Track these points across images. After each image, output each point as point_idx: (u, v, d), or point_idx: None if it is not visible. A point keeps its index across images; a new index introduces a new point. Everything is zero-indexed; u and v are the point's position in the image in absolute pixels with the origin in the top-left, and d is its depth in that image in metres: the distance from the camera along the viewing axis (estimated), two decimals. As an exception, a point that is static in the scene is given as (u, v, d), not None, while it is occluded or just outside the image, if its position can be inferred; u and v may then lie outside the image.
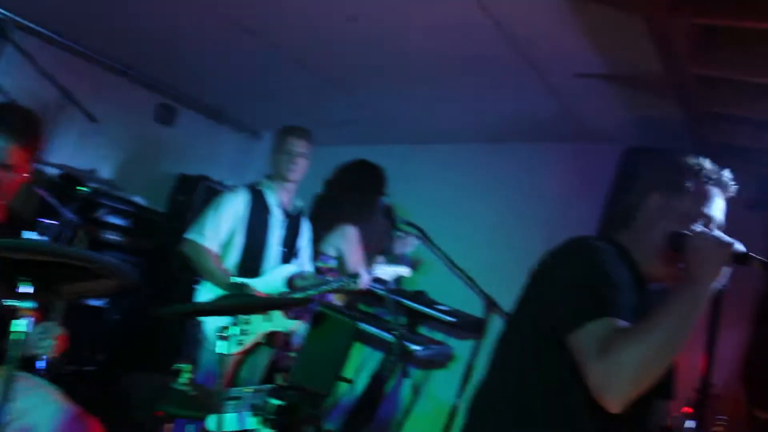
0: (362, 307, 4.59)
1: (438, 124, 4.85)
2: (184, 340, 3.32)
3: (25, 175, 2.24)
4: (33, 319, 1.36)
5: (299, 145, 3.38)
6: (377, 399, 4.08)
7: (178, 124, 5.37)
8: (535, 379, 1.70)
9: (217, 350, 3.03)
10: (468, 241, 4.63)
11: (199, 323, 3.20)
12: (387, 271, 3.55)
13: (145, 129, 5.19)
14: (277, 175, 3.42)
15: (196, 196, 4.93)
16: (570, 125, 4.17)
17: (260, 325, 3.22)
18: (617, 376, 1.49)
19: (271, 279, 3.31)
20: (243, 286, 3.08)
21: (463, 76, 3.79)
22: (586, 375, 1.54)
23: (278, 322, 3.22)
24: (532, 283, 1.80)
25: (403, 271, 3.66)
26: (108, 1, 3.82)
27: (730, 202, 1.83)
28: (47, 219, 3.43)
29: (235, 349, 3.17)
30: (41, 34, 4.33)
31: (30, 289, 1.39)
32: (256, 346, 3.28)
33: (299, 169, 3.40)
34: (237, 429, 1.89)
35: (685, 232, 1.67)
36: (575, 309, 1.60)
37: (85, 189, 3.95)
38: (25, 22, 4.22)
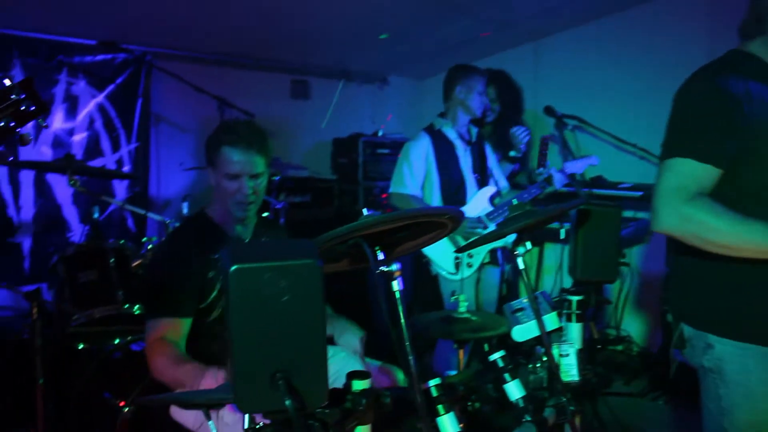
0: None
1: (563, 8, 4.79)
2: (419, 281, 3.64)
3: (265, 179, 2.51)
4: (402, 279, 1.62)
5: (484, 84, 3.56)
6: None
7: (313, 95, 5.64)
8: None
9: (456, 276, 3.39)
10: (623, 116, 4.66)
11: (429, 262, 3.50)
12: (578, 165, 3.66)
13: (287, 108, 5.49)
14: (467, 111, 3.58)
15: (356, 154, 5.19)
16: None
17: (482, 246, 3.47)
18: (679, 223, 1.70)
19: (476, 204, 3.53)
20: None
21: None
22: (653, 204, 1.73)
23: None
24: None
25: (592, 160, 3.73)
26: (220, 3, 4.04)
27: None
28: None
29: (468, 272, 3.47)
30: (174, 56, 4.67)
31: (382, 256, 1.64)
32: (483, 266, 3.54)
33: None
34: (537, 334, 2.11)
35: None
36: (669, 140, 1.79)
37: (275, 177, 4.29)
38: (159, 50, 4.58)
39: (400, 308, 1.58)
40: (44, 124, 1.71)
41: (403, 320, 1.54)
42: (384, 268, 1.58)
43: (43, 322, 2.74)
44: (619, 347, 4.66)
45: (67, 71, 4.23)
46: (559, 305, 2.14)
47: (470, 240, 3.41)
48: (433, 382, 1.65)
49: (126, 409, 2.70)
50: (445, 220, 1.60)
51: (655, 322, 4.57)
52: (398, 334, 1.53)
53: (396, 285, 1.58)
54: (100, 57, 4.36)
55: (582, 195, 3.96)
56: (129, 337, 3.09)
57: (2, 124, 1.57)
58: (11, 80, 1.58)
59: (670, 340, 3.77)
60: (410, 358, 1.50)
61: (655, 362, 4.28)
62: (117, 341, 3.11)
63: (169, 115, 4.83)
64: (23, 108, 1.60)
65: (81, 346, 3.15)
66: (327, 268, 1.81)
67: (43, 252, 4.11)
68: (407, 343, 1.50)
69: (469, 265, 3.46)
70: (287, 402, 1.10)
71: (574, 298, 2.11)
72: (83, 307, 2.96)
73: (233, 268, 1.13)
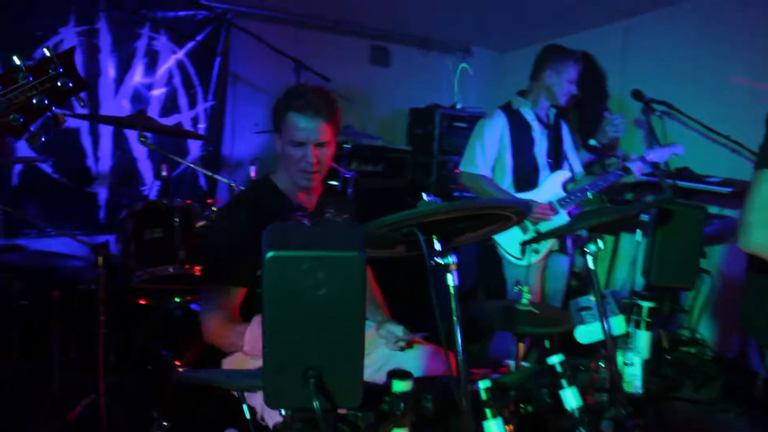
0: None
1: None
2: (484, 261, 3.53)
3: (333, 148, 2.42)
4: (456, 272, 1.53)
5: (577, 72, 3.34)
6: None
7: (392, 63, 5.52)
8: None
9: (522, 262, 3.26)
10: (716, 105, 4.33)
11: (494, 244, 3.37)
12: (661, 154, 3.42)
13: (364, 75, 5.39)
14: (550, 97, 3.40)
15: (432, 126, 5.05)
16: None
17: (550, 232, 3.32)
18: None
19: (548, 188, 3.36)
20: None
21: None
22: (744, 217, 1.59)
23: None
24: None
25: (677, 149, 3.47)
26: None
27: None
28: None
29: (535, 258, 3.33)
30: (254, 15, 4.64)
31: (439, 246, 1.54)
32: (551, 254, 3.38)
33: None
34: (601, 338, 1.97)
35: None
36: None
37: (347, 145, 4.23)
38: (240, 8, 4.55)
39: (454, 304, 1.48)
40: (83, 103, 1.58)
41: (455, 317, 1.45)
42: (439, 260, 1.48)
43: (108, 275, 2.79)
44: (692, 350, 4.42)
45: (149, 26, 4.26)
46: (628, 309, 1.99)
47: (538, 228, 3.28)
48: (483, 384, 1.55)
49: (180, 370, 2.73)
50: (509, 213, 1.48)
51: (733, 327, 4.29)
52: (449, 331, 1.44)
53: (451, 279, 1.49)
54: (182, 13, 4.37)
55: (665, 186, 3.72)
56: (188, 297, 3.12)
57: (35, 101, 1.40)
58: (50, 51, 1.44)
59: (754, 349, 3.51)
60: (460, 359, 1.41)
61: (731, 370, 4.03)
62: (177, 300, 3.14)
63: (246, 75, 4.82)
64: (60, 84, 1.44)
65: (143, 302, 3.21)
66: (380, 253, 1.74)
67: (118, 203, 4.21)
68: (458, 340, 1.41)
69: (536, 252, 3.32)
70: (315, 403, 1.03)
71: (645, 304, 1.95)
72: (146, 264, 2.99)
73: (269, 255, 1.06)
